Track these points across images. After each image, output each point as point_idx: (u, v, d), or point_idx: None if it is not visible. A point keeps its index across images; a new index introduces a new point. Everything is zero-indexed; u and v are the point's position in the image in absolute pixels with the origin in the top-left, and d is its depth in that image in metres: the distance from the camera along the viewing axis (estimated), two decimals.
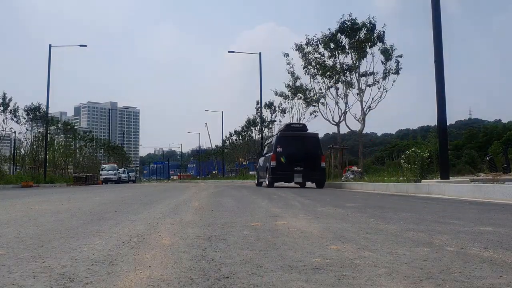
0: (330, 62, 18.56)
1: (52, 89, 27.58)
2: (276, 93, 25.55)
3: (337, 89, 18.67)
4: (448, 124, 9.26)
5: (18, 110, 26.13)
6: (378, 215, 3.91)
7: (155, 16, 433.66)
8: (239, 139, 46.59)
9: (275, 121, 31.83)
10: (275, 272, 1.67)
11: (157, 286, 1.48)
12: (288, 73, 22.95)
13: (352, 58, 17.75)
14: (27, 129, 30.09)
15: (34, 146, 31.65)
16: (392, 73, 17.01)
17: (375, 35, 17.08)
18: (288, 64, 22.58)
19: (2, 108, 24.93)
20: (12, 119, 25.88)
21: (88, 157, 49.07)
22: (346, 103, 18.39)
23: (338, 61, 18.20)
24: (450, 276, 1.61)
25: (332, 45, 17.99)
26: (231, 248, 2.19)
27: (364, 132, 18.14)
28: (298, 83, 22.72)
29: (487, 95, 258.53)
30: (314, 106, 21.63)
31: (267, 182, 13.45)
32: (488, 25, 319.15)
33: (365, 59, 17.51)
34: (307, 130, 14.37)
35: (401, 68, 17.08)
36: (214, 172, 67.22)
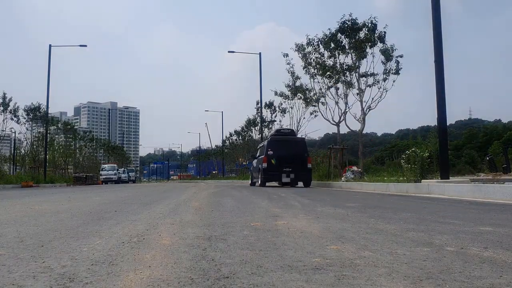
0: (330, 62, 18.56)
1: (52, 89, 27.66)
2: (276, 93, 25.55)
3: (337, 89, 18.66)
4: (448, 124, 9.26)
5: (18, 110, 26.14)
6: (378, 215, 3.91)
7: (155, 16, 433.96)
8: (239, 139, 46.57)
9: (275, 121, 31.83)
10: (275, 272, 1.67)
11: (157, 286, 1.48)
12: (288, 73, 22.96)
13: (352, 58, 17.75)
14: (27, 129, 30.09)
15: (34, 146, 31.63)
16: (392, 73, 17.00)
17: (376, 35, 17.06)
18: (288, 64, 22.59)
19: (2, 108, 24.92)
20: (12, 119, 25.88)
21: (88, 157, 49.05)
22: (346, 103, 18.39)
23: (338, 61, 18.20)
24: (450, 276, 1.61)
25: (332, 45, 17.98)
26: (231, 248, 2.19)
27: (364, 132, 18.12)
28: (298, 83, 22.72)
29: (487, 95, 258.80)
30: (314, 106, 21.62)
31: (259, 182, 14.79)
32: (488, 25, 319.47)
33: (365, 59, 17.50)
34: (295, 135, 16.10)
35: (401, 68, 17.07)
36: (214, 172, 67.22)
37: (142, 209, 4.80)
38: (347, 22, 17.43)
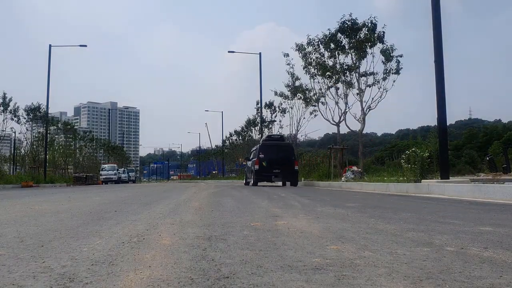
0: (330, 62, 18.56)
1: (52, 89, 27.66)
2: (275, 93, 25.55)
3: (337, 89, 18.66)
4: (448, 124, 9.27)
5: (18, 110, 26.15)
6: (378, 215, 3.91)
7: (155, 16, 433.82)
8: (239, 139, 46.58)
9: (275, 121, 31.83)
10: (275, 272, 1.67)
11: (157, 286, 1.48)
12: (288, 74, 22.98)
13: (352, 58, 17.75)
14: (27, 129, 30.07)
15: (34, 146, 31.62)
16: (392, 73, 16.99)
17: (375, 35, 17.06)
18: (288, 64, 22.60)
19: (2, 108, 24.93)
20: (12, 119, 25.89)
21: (88, 157, 49.03)
22: (346, 103, 18.38)
23: (338, 61, 18.19)
24: (450, 276, 1.61)
25: (332, 45, 17.97)
26: (231, 248, 2.19)
27: (364, 132, 18.11)
28: (297, 83, 22.72)
29: (487, 95, 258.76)
30: (314, 106, 21.62)
31: (252, 182, 16.57)
32: (488, 25, 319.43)
33: (365, 59, 17.49)
34: (284, 140, 18.49)
35: (402, 68, 17.06)
36: (214, 172, 67.23)
37: (142, 209, 4.80)
38: (347, 22, 17.43)
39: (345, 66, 17.96)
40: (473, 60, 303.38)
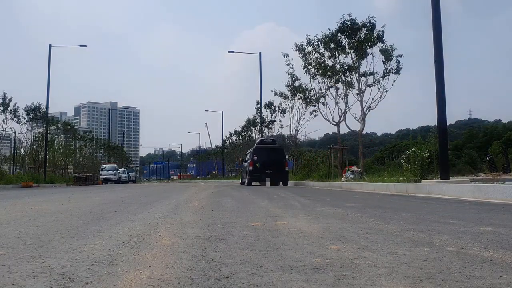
0: (330, 62, 18.55)
1: (52, 89, 27.70)
2: (275, 93, 25.54)
3: (337, 89, 18.65)
4: (448, 124, 9.26)
5: (18, 110, 26.15)
6: (378, 215, 3.91)
7: (155, 16, 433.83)
8: (239, 139, 46.57)
9: (275, 121, 31.82)
10: (275, 272, 1.67)
11: (157, 286, 1.48)
12: (288, 74, 22.97)
13: (352, 58, 17.74)
14: (27, 129, 30.08)
15: (34, 146, 31.62)
16: (392, 73, 16.97)
17: (374, 35, 17.05)
18: (288, 64, 22.60)
19: (2, 108, 24.93)
20: (12, 119, 25.90)
21: (88, 157, 49.03)
22: (346, 103, 18.37)
23: (338, 61, 18.19)
24: (450, 276, 1.61)
25: (332, 45, 17.97)
26: (231, 248, 2.19)
27: (364, 132, 18.10)
28: (297, 83, 22.72)
29: (487, 95, 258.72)
30: (314, 106, 21.62)
31: (247, 181, 18.11)
32: (488, 25, 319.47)
33: (365, 59, 17.48)
34: (276, 143, 19.95)
35: (402, 68, 17.05)
36: (214, 172, 67.22)
37: (142, 209, 4.80)
38: (347, 22, 17.42)
39: (345, 66, 17.96)
40: (473, 60, 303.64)
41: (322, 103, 20.08)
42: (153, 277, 1.61)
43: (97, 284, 1.52)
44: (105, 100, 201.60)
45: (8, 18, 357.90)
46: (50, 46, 26.54)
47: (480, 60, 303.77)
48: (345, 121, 18.57)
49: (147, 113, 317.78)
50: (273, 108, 31.27)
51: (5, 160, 37.00)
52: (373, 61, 17.31)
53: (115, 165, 43.05)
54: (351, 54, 17.67)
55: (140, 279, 1.58)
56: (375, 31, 17.09)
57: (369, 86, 17.35)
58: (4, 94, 25.02)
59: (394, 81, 17.03)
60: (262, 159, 17.64)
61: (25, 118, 27.73)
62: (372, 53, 17.31)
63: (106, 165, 42.03)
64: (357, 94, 17.59)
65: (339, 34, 17.75)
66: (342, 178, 15.00)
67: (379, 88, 17.12)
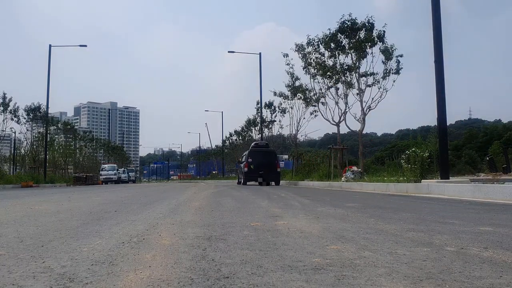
0: (330, 62, 18.55)
1: (52, 89, 27.67)
2: (275, 93, 25.54)
3: (337, 89, 18.64)
4: (448, 124, 9.26)
5: (18, 110, 26.17)
6: (378, 215, 3.91)
7: (155, 16, 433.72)
8: (239, 139, 46.57)
9: (275, 121, 31.83)
10: (275, 272, 1.67)
11: (157, 286, 1.48)
12: (288, 74, 22.97)
13: (352, 58, 17.74)
14: (27, 129, 30.08)
15: (34, 146, 31.62)
16: (392, 73, 16.96)
17: (375, 34, 17.04)
18: (288, 64, 22.60)
19: (2, 108, 24.94)
20: (12, 119, 25.91)
21: (88, 157, 49.02)
22: (346, 103, 18.36)
23: (338, 61, 18.18)
24: (450, 276, 1.61)
25: (332, 45, 17.96)
26: (231, 248, 2.19)
27: (364, 132, 18.08)
28: (297, 83, 22.72)
29: (487, 95, 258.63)
30: (314, 106, 21.63)
31: (242, 181, 19.75)
32: (488, 25, 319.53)
33: (365, 59, 17.47)
34: (269, 147, 21.68)
35: (402, 68, 17.03)
36: (214, 172, 67.25)
37: (142, 209, 4.80)
38: (347, 22, 17.41)
39: (345, 66, 17.95)
40: (473, 60, 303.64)
41: (322, 103, 20.09)
42: (153, 277, 1.61)
43: (97, 284, 1.52)
44: (105, 100, 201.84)
45: (8, 18, 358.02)
46: (50, 46, 26.57)
47: (480, 60, 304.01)
48: (345, 121, 18.57)
49: (147, 113, 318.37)
50: (273, 108, 31.29)
51: (5, 160, 36.97)
52: (373, 61, 17.32)
53: (115, 165, 43.02)
54: (351, 54, 17.66)
55: (140, 279, 1.58)
56: (375, 31, 17.08)
57: (369, 86, 17.35)
58: (4, 94, 25.06)
59: (394, 81, 17.02)
60: (256, 161, 19.17)
61: (25, 118, 27.77)
62: (372, 53, 17.31)
63: (106, 165, 42.00)
64: (357, 94, 17.58)
65: (339, 34, 17.75)
66: (342, 178, 15.00)
67: (379, 88, 17.12)
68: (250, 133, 40.88)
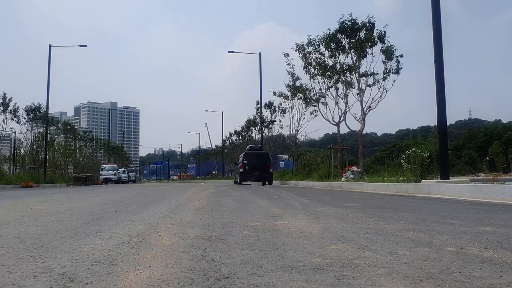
0: (330, 62, 18.54)
1: (52, 89, 27.68)
2: (275, 93, 25.55)
3: (337, 89, 18.64)
4: (448, 124, 9.26)
5: (18, 110, 26.19)
6: (378, 215, 3.91)
7: (155, 16, 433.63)
8: (239, 139, 46.59)
9: (275, 121, 31.83)
10: (275, 272, 1.67)
11: (157, 286, 1.48)
12: (289, 74, 22.98)
13: (352, 58, 17.73)
14: (27, 129, 30.08)
15: (34, 146, 31.62)
16: (392, 73, 16.96)
17: (375, 34, 17.03)
18: (288, 64, 22.62)
19: (2, 108, 24.94)
20: (12, 119, 25.93)
21: (88, 157, 49.01)
22: (346, 103, 18.36)
23: (338, 61, 18.18)
24: (450, 276, 1.61)
25: (332, 45, 17.96)
26: (231, 248, 2.19)
27: (364, 132, 18.07)
28: (298, 83, 22.73)
29: (487, 95, 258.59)
30: (314, 106, 21.63)
31: (238, 181, 21.81)
32: (488, 25, 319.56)
33: (365, 59, 17.47)
34: (262, 150, 23.94)
35: (402, 68, 17.02)
36: (214, 172, 67.27)
37: (142, 209, 4.80)
38: (347, 22, 17.40)
39: (345, 66, 17.95)
40: (473, 60, 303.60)
41: (322, 103, 20.09)
42: (153, 277, 1.61)
43: (97, 284, 1.52)
44: (105, 100, 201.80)
45: (8, 18, 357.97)
46: (50, 46, 26.57)
47: (480, 60, 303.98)
48: (345, 121, 18.57)
49: (147, 113, 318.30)
50: (273, 108, 31.30)
51: (5, 160, 36.97)
52: (373, 61, 17.32)
53: (115, 165, 42.99)
54: (351, 54, 17.66)
55: (140, 279, 1.58)
56: (376, 31, 17.08)
57: (369, 86, 17.35)
58: (4, 94, 25.09)
59: (394, 81, 17.02)
60: (251, 162, 20.84)
61: (25, 118, 27.79)
62: (372, 53, 17.31)
63: (106, 165, 41.97)
64: (357, 94, 17.58)
65: (339, 34, 17.75)
66: (342, 178, 15.00)
67: (379, 88, 17.11)
68: (250, 133, 40.92)
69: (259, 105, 31.46)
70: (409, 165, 9.51)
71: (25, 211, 4.66)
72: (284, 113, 28.53)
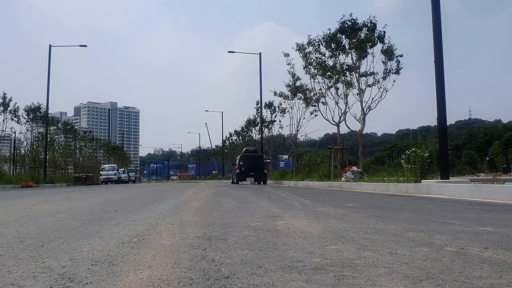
0: (330, 62, 18.55)
1: (52, 89, 27.70)
2: (275, 93, 25.59)
3: (337, 89, 18.65)
4: (448, 124, 9.25)
5: (18, 110, 26.19)
6: (378, 215, 3.91)
7: (155, 16, 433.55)
8: (239, 139, 46.61)
9: (275, 121, 31.86)
10: (275, 272, 1.67)
11: (157, 286, 1.48)
12: (289, 74, 23.00)
13: (352, 58, 17.73)
14: (27, 129, 30.09)
15: (34, 146, 31.62)
16: (392, 73, 16.96)
17: (376, 35, 17.04)
18: (289, 64, 22.63)
19: (2, 108, 24.94)
20: (12, 119, 25.94)
21: (88, 157, 49.02)
22: (346, 103, 18.36)
23: (338, 61, 18.18)
24: (450, 276, 1.61)
25: (333, 45, 17.96)
26: (231, 248, 2.19)
27: (364, 132, 18.08)
28: (298, 83, 22.75)
29: (487, 95, 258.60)
30: (314, 106, 21.64)
31: (235, 181, 23.53)
32: (488, 25, 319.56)
33: (365, 59, 17.47)
34: (257, 152, 25.50)
35: (402, 68, 17.03)
36: (214, 172, 67.27)
37: (142, 209, 4.80)
38: (347, 22, 17.41)
39: (345, 66, 17.95)
40: (473, 60, 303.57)
41: (322, 103, 20.10)
42: (153, 277, 1.61)
43: (97, 284, 1.52)
44: (105, 100, 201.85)
45: (8, 18, 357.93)
46: (50, 46, 26.57)
47: (480, 60, 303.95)
48: (345, 121, 18.58)
49: (147, 113, 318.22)
50: (273, 108, 31.33)
51: (5, 160, 36.97)
52: (373, 61, 17.32)
53: (115, 165, 42.98)
54: (351, 54, 17.66)
55: (140, 279, 1.58)
56: (376, 32, 17.08)
57: (369, 86, 17.35)
58: (4, 94, 25.09)
59: (394, 81, 17.02)
60: (247, 164, 22.60)
61: (25, 118, 27.80)
62: (372, 53, 17.31)
63: (106, 165, 41.96)
64: (357, 94, 17.58)
65: (339, 34, 17.75)
66: (342, 178, 14.99)
67: (379, 88, 17.12)
68: (250, 133, 40.93)
69: (259, 105, 31.51)
70: (409, 165, 9.51)
71: (25, 211, 4.66)
72: (284, 113, 28.59)
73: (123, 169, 47.74)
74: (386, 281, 1.53)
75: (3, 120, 25.30)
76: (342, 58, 18.03)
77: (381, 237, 2.56)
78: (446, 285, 1.49)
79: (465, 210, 4.62)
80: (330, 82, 18.80)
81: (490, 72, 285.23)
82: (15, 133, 30.63)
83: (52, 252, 2.12)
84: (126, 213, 4.22)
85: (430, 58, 8.95)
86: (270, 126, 32.89)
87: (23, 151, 34.32)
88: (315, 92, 20.52)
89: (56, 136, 37.19)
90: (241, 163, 22.79)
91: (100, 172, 38.85)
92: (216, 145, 65.66)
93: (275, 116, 31.58)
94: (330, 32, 17.89)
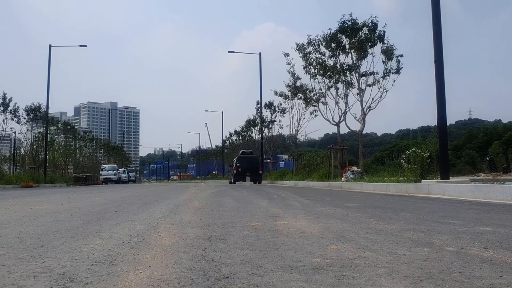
0: (330, 62, 18.55)
1: (52, 89, 27.75)
2: (275, 93, 25.63)
3: (337, 89, 18.66)
4: (448, 124, 9.25)
5: (18, 110, 26.20)
6: (378, 215, 3.91)
7: (155, 16, 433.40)
8: (239, 139, 46.61)
9: (275, 121, 31.88)
10: (275, 272, 1.67)
11: (157, 286, 1.48)
12: (289, 73, 23.03)
13: (352, 58, 17.73)
14: (27, 129, 30.08)
15: (34, 146, 31.63)
16: (392, 72, 16.96)
17: (376, 34, 17.04)
18: (289, 64, 22.66)
19: (2, 108, 24.95)
20: (12, 119, 25.94)
21: (88, 157, 49.01)
22: (346, 103, 18.37)
23: (338, 61, 18.19)
24: (450, 276, 1.61)
25: (333, 44, 17.96)
26: (231, 248, 2.19)
27: (364, 132, 18.09)
28: (298, 83, 22.77)
29: (487, 95, 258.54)
30: (314, 106, 21.64)
31: (232, 181, 25.29)
32: (488, 25, 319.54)
33: (365, 59, 17.47)
34: (253, 154, 27.00)
35: (402, 67, 17.04)
36: (214, 172, 67.25)
37: (142, 209, 4.80)
38: (347, 22, 17.41)
39: (346, 66, 17.95)
40: (473, 60, 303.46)
41: (322, 103, 20.11)
42: (153, 277, 1.61)
43: (97, 284, 1.52)
44: (105, 100, 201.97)
45: (8, 18, 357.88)
46: (50, 46, 26.60)
47: (480, 60, 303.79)
48: (345, 121, 18.59)
49: (147, 113, 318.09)
50: (273, 108, 31.37)
51: (5, 160, 36.97)
52: (374, 61, 17.33)
53: (115, 165, 42.98)
54: (351, 54, 17.66)
55: (140, 279, 1.58)
56: (376, 31, 17.08)
57: (369, 86, 17.36)
58: (4, 94, 25.09)
59: (394, 81, 17.03)
60: (243, 165, 24.20)
61: (25, 118, 27.80)
62: (372, 53, 17.31)
63: (106, 165, 41.96)
64: (357, 94, 17.59)
65: (339, 34, 17.75)
66: (342, 178, 14.99)
67: (379, 88, 17.13)
68: (250, 133, 40.93)
69: (259, 105, 31.54)
70: (409, 165, 9.51)
71: (25, 211, 4.66)
72: (284, 113, 28.64)
73: (123, 169, 47.75)
74: (386, 281, 1.53)
75: (3, 120, 25.35)
76: (342, 58, 18.06)
77: (381, 237, 2.56)
78: (446, 285, 1.49)
79: (465, 210, 4.62)
80: (330, 82, 18.81)
81: (490, 72, 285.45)
82: (15, 133, 30.63)
83: (52, 252, 2.12)
84: (126, 213, 4.22)
85: (430, 58, 8.95)
86: (270, 126, 32.93)
87: (23, 151, 34.32)
88: (315, 92, 20.55)
89: (56, 136, 37.18)
90: (238, 164, 24.45)
91: (100, 172, 38.86)
92: (216, 145, 65.69)
93: (275, 116, 31.65)
94: (330, 32, 17.90)
